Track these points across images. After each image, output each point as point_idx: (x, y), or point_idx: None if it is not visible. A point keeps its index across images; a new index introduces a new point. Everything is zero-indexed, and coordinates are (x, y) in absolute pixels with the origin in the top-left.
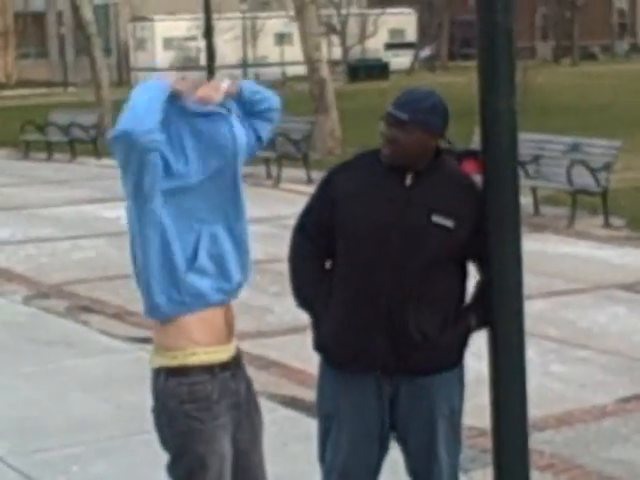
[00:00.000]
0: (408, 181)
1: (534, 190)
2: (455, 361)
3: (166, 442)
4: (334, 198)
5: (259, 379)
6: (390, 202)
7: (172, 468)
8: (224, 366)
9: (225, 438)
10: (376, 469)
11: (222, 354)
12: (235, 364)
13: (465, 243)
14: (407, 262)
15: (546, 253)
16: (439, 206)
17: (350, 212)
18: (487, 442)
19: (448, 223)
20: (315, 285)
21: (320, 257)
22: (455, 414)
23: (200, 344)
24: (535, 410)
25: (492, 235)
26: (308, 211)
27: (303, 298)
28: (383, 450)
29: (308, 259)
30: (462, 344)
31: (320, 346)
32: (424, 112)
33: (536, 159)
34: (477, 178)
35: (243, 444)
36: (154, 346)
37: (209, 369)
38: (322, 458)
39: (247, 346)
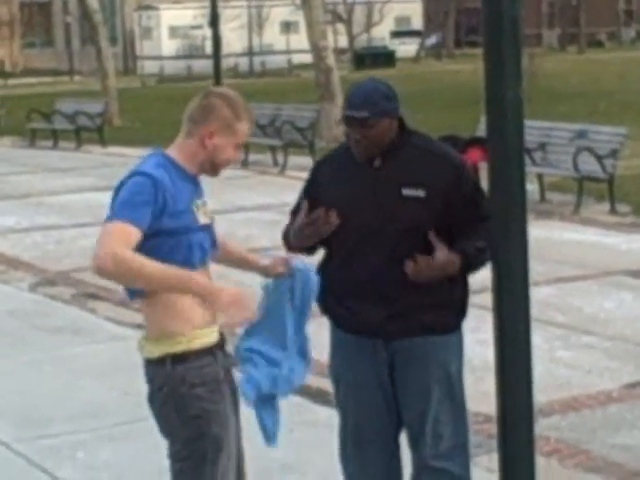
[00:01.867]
0: (376, 163)
1: (540, 177)
2: (448, 325)
3: (173, 429)
4: (318, 182)
5: None
6: (362, 184)
7: (182, 453)
8: (219, 346)
9: (232, 417)
10: (389, 435)
11: (216, 334)
12: (223, 342)
13: (442, 211)
14: (386, 233)
15: (552, 240)
16: (408, 179)
17: (330, 196)
18: (493, 428)
19: (419, 193)
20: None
21: None
22: (452, 379)
23: (199, 327)
24: (541, 396)
25: (498, 221)
26: (299, 198)
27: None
28: (392, 417)
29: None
30: (457, 304)
31: (325, 309)
32: (380, 103)
33: (542, 146)
34: (483, 166)
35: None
36: (150, 335)
37: (210, 351)
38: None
39: None
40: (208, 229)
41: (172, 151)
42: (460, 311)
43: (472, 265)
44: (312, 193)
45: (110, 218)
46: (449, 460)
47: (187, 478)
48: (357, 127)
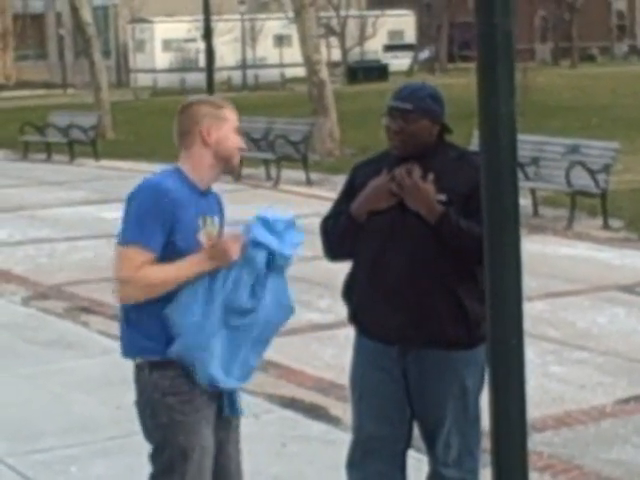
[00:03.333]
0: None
1: (533, 191)
2: (463, 340)
3: (150, 434)
4: (354, 185)
5: (257, 380)
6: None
7: (155, 459)
8: None
9: (207, 430)
10: (397, 447)
11: None
12: None
13: (460, 214)
14: (408, 234)
15: (545, 254)
16: (434, 184)
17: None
18: (486, 443)
19: (441, 197)
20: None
21: None
22: (468, 394)
23: None
24: (534, 411)
25: (491, 237)
26: (336, 202)
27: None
28: (403, 428)
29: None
30: (472, 323)
31: (352, 315)
32: (426, 100)
33: (535, 161)
34: None
35: (220, 437)
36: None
37: None
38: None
39: None
40: None
41: (181, 166)
42: (478, 327)
43: (448, 226)
44: (350, 195)
45: (121, 242)
46: (456, 467)
47: None
48: (398, 119)
